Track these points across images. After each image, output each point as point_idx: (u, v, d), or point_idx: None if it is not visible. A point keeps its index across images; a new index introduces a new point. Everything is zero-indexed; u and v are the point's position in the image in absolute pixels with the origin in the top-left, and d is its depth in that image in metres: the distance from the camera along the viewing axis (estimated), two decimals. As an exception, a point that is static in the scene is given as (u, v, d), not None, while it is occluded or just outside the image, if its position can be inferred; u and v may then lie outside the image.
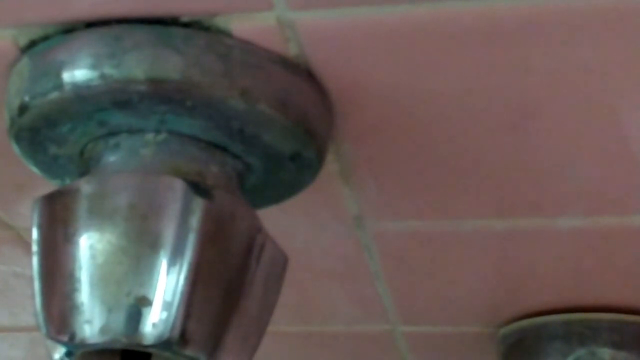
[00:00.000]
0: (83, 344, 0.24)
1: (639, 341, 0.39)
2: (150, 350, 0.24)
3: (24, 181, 0.32)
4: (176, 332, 0.24)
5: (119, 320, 0.24)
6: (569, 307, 0.40)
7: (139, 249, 0.25)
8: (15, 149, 0.29)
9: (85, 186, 0.26)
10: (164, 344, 0.24)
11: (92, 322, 0.24)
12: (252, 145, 0.27)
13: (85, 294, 0.25)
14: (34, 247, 0.26)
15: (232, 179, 0.28)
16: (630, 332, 0.39)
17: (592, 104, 0.28)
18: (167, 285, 0.24)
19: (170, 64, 0.25)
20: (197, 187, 0.25)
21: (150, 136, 0.27)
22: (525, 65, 0.27)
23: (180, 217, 0.25)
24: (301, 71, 0.27)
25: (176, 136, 0.27)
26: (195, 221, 0.25)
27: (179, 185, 0.25)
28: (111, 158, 0.27)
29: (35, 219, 0.26)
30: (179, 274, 0.24)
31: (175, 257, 0.25)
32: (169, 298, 0.24)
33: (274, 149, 0.28)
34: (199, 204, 0.25)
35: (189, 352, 0.24)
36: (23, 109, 0.27)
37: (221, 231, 0.26)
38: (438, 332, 0.45)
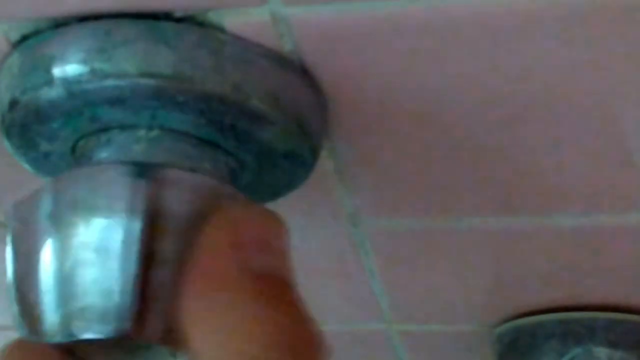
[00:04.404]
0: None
1: (636, 340, 0.39)
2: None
3: (18, 179, 0.32)
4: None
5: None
6: (565, 305, 0.40)
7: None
8: (6, 145, 0.29)
9: (47, 186, 0.25)
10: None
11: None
12: (245, 141, 0.27)
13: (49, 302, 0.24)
14: (8, 252, 0.25)
15: (224, 176, 0.27)
16: (627, 331, 0.39)
17: (590, 102, 0.28)
18: None
19: (161, 59, 0.25)
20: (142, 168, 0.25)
21: (142, 132, 0.27)
22: (523, 63, 0.27)
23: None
24: (295, 67, 0.27)
25: (168, 132, 0.27)
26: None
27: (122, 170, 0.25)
28: (103, 154, 0.27)
29: (9, 225, 0.25)
30: None
31: None
32: None
33: (267, 145, 0.27)
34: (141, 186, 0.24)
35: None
36: (13, 104, 0.26)
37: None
38: (434, 331, 0.44)
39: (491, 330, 0.43)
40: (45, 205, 0.25)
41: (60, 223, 0.24)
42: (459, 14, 0.25)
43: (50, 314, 0.24)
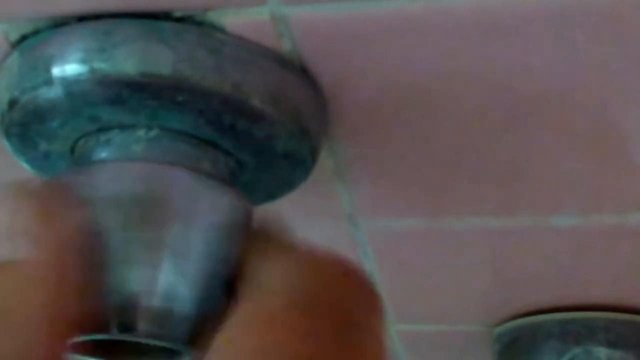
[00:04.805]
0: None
1: (635, 340, 0.39)
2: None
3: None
4: None
5: None
6: (565, 306, 0.40)
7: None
8: (5, 145, 0.29)
9: (78, 177, 0.25)
10: None
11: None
12: (244, 141, 0.27)
13: None
14: None
15: (224, 176, 0.27)
16: (626, 331, 0.39)
17: (589, 102, 0.28)
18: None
19: (161, 59, 0.25)
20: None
21: (141, 132, 0.27)
22: (522, 62, 0.27)
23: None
24: (294, 67, 0.27)
25: (168, 132, 0.27)
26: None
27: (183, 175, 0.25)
28: (102, 154, 0.27)
29: None
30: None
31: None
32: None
33: (266, 145, 0.27)
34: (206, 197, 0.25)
35: None
36: (12, 103, 0.26)
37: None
38: (433, 331, 0.44)
39: (491, 330, 0.43)
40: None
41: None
42: (458, 13, 0.25)
43: None
